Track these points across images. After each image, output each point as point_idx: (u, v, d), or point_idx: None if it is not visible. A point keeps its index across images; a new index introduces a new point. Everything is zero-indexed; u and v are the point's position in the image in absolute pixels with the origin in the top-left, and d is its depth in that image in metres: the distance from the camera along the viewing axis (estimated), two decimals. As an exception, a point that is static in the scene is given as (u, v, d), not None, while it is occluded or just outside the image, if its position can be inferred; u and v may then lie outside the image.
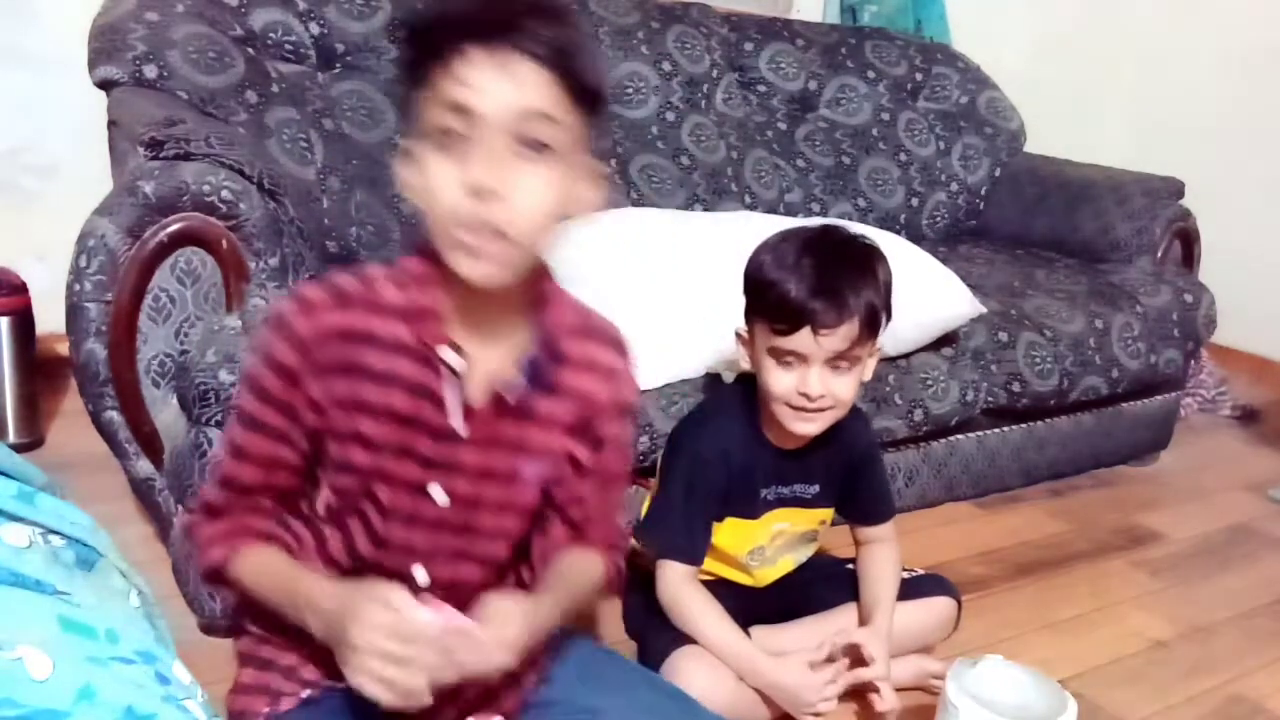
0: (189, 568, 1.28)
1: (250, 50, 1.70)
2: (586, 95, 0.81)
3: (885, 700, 1.27)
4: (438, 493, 0.90)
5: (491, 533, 0.94)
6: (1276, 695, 1.49)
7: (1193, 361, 2.36)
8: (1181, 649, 1.60)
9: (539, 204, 0.80)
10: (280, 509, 0.95)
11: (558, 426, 0.94)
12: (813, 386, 1.21)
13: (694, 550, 1.32)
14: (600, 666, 1.07)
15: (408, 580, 0.93)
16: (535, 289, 0.90)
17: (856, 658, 1.30)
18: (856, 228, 1.35)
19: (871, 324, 1.22)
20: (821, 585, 1.44)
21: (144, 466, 1.36)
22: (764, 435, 1.33)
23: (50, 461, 1.50)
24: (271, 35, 1.77)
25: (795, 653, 1.30)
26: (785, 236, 1.26)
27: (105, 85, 1.56)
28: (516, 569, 1.01)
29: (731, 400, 1.38)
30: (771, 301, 1.21)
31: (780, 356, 1.22)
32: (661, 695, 1.07)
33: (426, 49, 0.79)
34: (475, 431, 0.89)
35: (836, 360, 1.21)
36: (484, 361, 0.88)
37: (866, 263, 1.24)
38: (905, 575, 1.42)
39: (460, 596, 0.91)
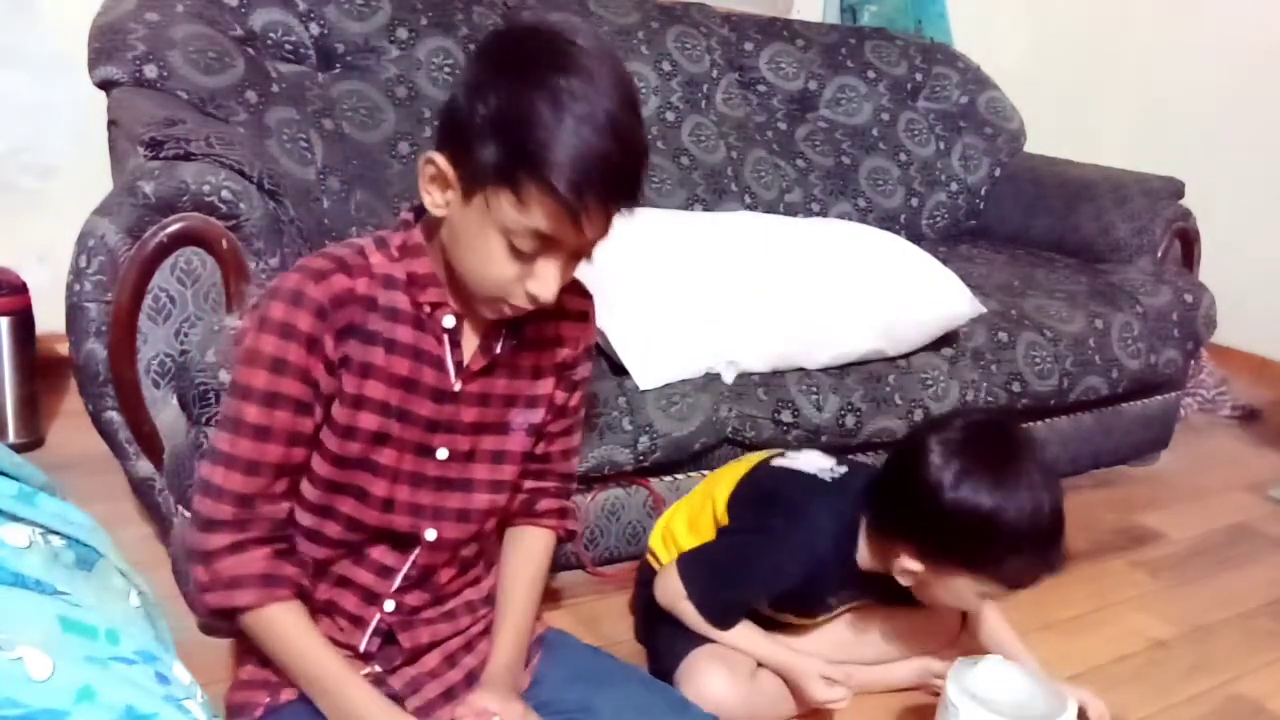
0: (189, 568, 1.28)
1: (250, 50, 1.70)
2: None
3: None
4: (440, 450, 0.96)
5: (490, 485, 1.00)
6: (1276, 695, 1.49)
7: (1193, 361, 2.36)
8: (1181, 649, 1.60)
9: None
10: (292, 492, 0.94)
11: (544, 373, 1.00)
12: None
13: (724, 619, 1.28)
14: (592, 665, 1.08)
15: (417, 540, 0.97)
16: None
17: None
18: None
19: None
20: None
21: (144, 466, 1.36)
22: (854, 557, 1.30)
23: (50, 461, 1.50)
24: (271, 35, 1.77)
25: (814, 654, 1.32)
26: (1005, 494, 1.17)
27: (105, 85, 1.56)
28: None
29: (834, 517, 1.30)
30: (1002, 563, 1.20)
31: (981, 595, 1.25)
32: (653, 693, 1.07)
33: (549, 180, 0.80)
34: (471, 389, 0.95)
35: None
36: (472, 323, 0.95)
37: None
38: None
39: (459, 549, 1.00)
